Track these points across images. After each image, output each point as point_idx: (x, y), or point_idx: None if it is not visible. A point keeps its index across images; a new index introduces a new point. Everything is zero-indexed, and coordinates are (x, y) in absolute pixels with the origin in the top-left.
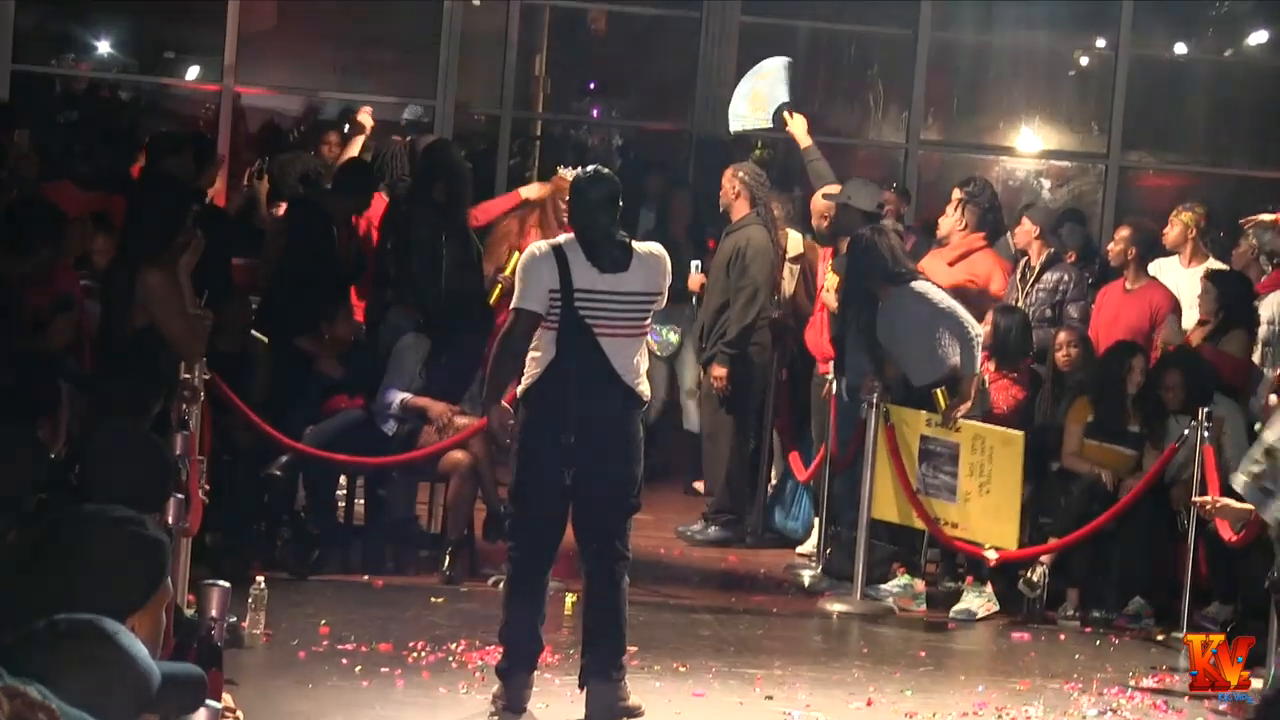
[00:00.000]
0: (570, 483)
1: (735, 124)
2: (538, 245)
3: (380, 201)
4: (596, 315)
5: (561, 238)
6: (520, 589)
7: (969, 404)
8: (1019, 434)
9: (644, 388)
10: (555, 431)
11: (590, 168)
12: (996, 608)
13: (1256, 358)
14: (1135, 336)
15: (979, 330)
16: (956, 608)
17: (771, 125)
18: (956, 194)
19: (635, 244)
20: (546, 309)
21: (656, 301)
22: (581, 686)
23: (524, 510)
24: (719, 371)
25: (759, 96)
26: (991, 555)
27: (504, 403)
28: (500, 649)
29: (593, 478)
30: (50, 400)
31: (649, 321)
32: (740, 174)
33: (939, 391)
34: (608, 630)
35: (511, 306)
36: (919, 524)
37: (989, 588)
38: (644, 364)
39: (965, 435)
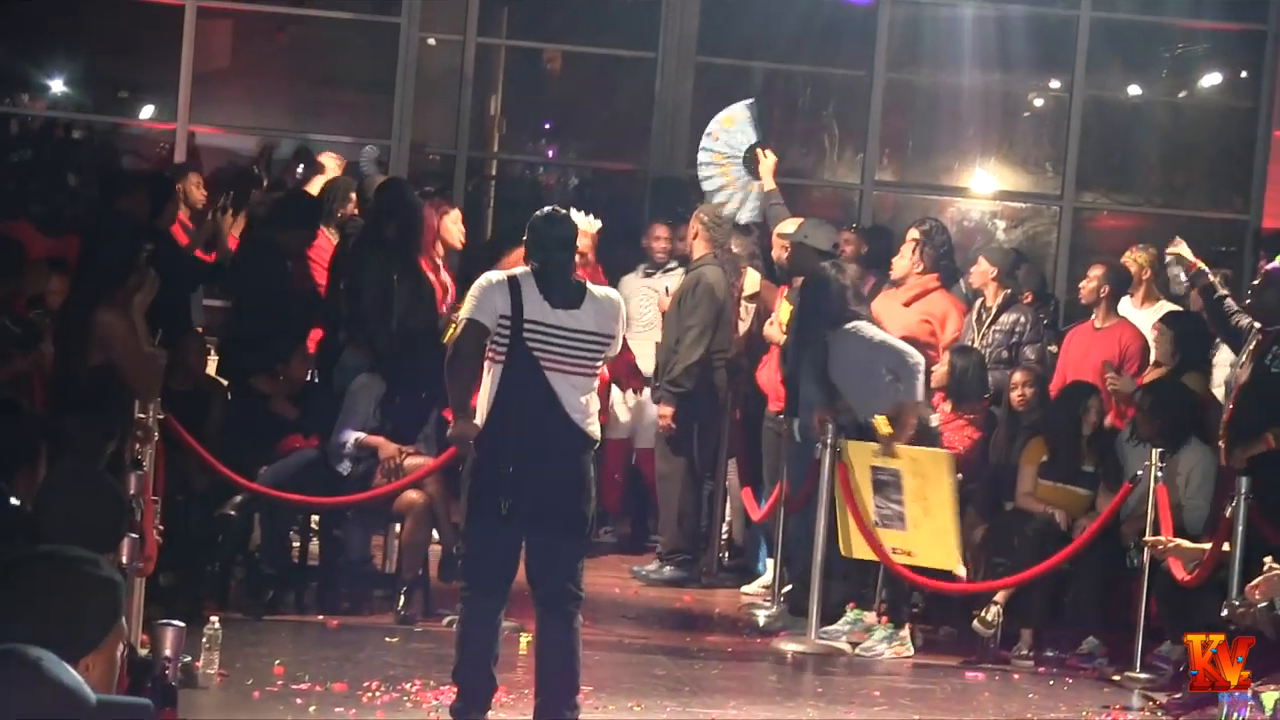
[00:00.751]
0: (507, 514)
1: (707, 185)
2: (492, 274)
3: (327, 240)
4: (545, 349)
5: (517, 269)
6: (472, 628)
7: (909, 431)
8: (945, 452)
9: (593, 428)
10: (500, 464)
11: (548, 208)
12: (909, 653)
13: (1220, 394)
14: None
15: (918, 359)
16: (863, 645)
17: (743, 174)
18: (912, 234)
19: (591, 286)
20: (495, 328)
21: (608, 346)
22: None
23: (473, 548)
24: (664, 410)
25: (724, 157)
26: (962, 572)
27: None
28: (454, 689)
29: (544, 517)
30: (31, 452)
31: (600, 365)
32: (701, 215)
33: (878, 419)
34: (561, 670)
35: (460, 317)
36: (879, 556)
37: (906, 632)
38: (594, 405)
39: (903, 460)
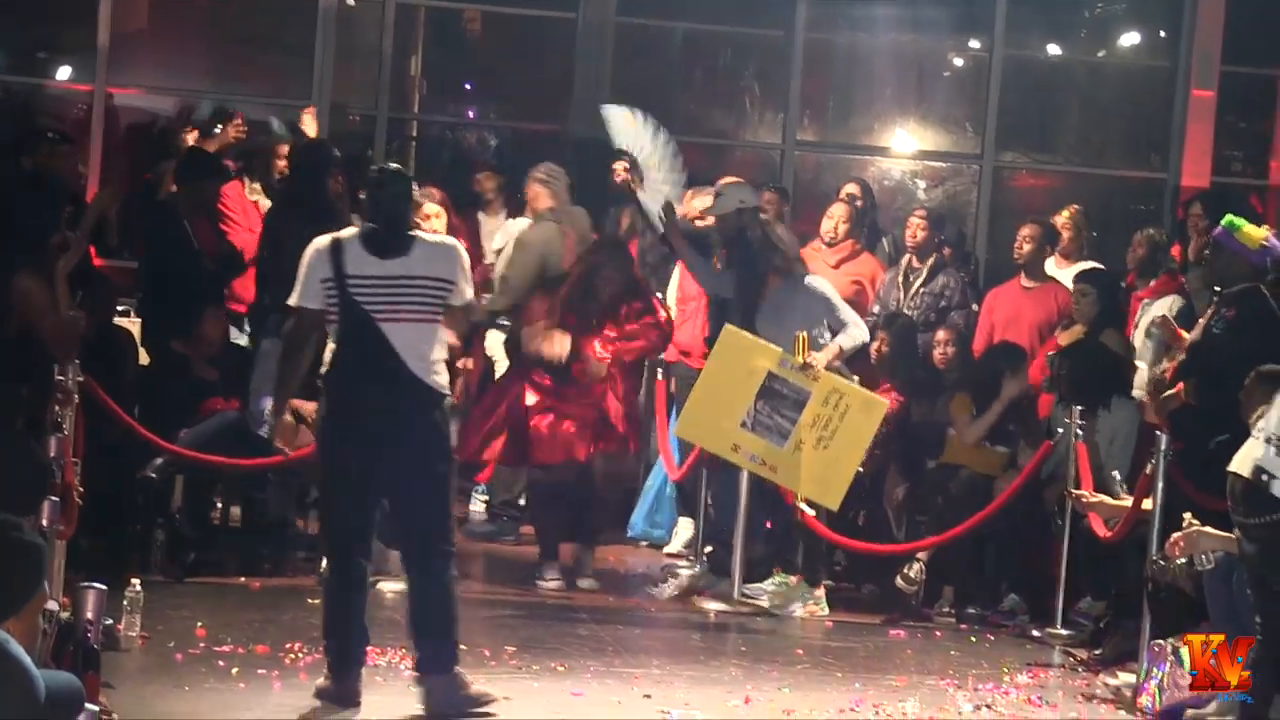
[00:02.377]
0: (356, 471)
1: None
2: (318, 239)
3: (243, 198)
4: (374, 300)
5: (346, 231)
6: (336, 582)
7: (828, 358)
8: (884, 401)
9: (437, 379)
10: (345, 421)
11: (383, 166)
12: (824, 612)
13: (1149, 356)
14: (1040, 334)
15: (863, 332)
16: (776, 603)
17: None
18: (841, 197)
19: (427, 234)
20: (324, 302)
21: (447, 290)
22: (419, 682)
23: (329, 503)
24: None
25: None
26: (808, 511)
27: (292, 404)
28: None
29: (398, 473)
30: None
31: (440, 312)
32: (537, 173)
33: (802, 336)
34: (433, 624)
35: (291, 302)
36: (721, 450)
37: (821, 591)
38: (438, 354)
39: (822, 387)
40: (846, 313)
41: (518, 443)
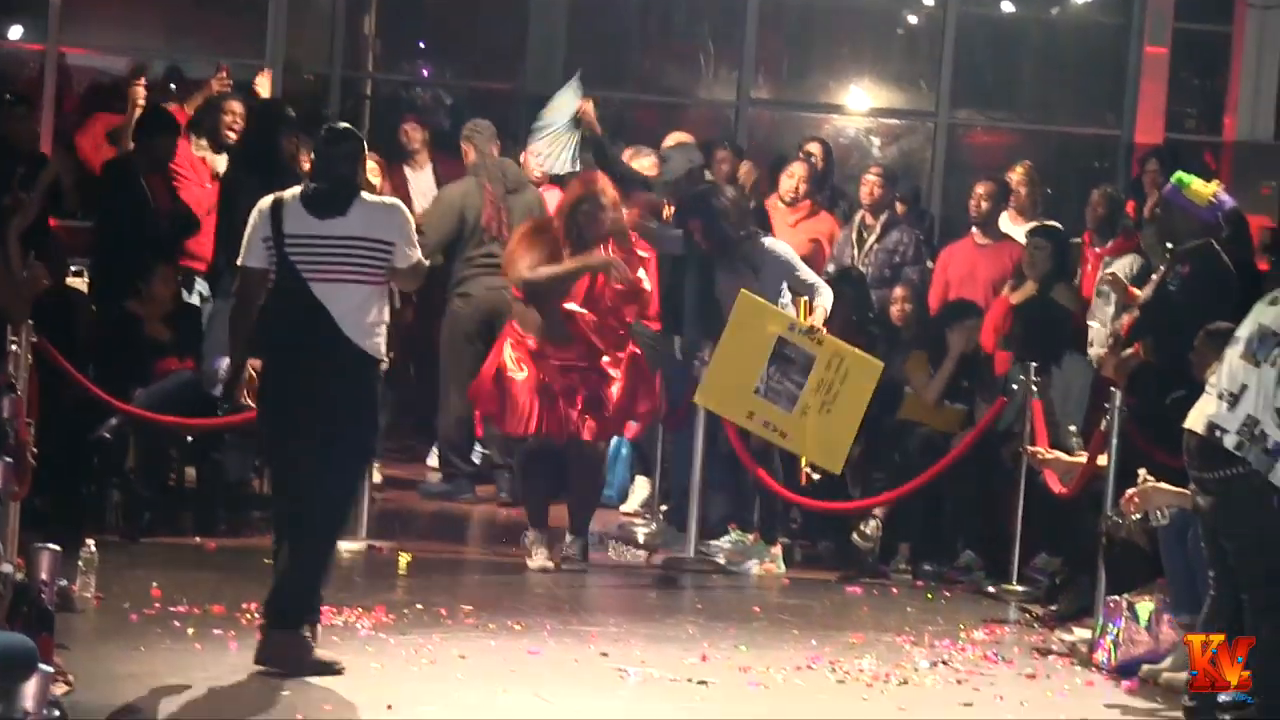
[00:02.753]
0: (288, 429)
1: (543, 166)
2: (264, 199)
3: (193, 157)
4: (308, 260)
5: (290, 190)
6: (278, 541)
7: (821, 321)
8: (879, 363)
9: (372, 343)
10: (278, 380)
11: (340, 125)
12: (780, 570)
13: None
14: (994, 291)
15: (829, 291)
16: (732, 560)
17: (567, 130)
18: (800, 155)
19: (369, 196)
20: (268, 261)
21: (386, 252)
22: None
23: (267, 460)
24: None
25: (551, 130)
26: (814, 475)
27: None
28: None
29: (318, 432)
30: None
31: (380, 274)
32: (464, 129)
33: (803, 301)
34: (296, 583)
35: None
36: (737, 418)
37: (778, 549)
38: (375, 318)
39: (825, 350)
40: (808, 273)
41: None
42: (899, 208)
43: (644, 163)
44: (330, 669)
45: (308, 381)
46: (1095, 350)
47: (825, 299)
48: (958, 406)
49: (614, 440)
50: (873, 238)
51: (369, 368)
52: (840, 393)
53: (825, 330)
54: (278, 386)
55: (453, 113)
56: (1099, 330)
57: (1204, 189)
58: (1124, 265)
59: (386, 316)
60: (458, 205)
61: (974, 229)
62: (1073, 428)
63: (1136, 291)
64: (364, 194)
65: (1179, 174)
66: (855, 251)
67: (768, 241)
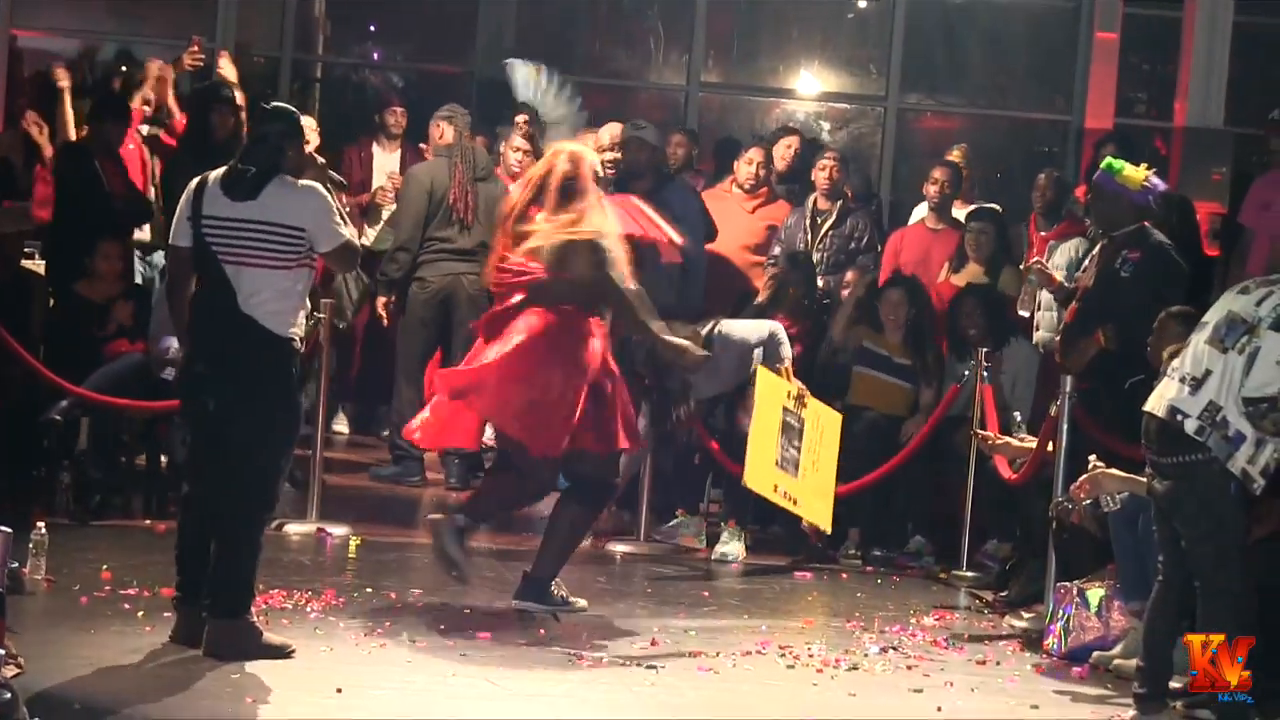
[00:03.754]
0: (198, 412)
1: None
2: (195, 179)
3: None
4: (219, 242)
5: (217, 170)
6: (179, 523)
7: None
8: (838, 415)
9: (282, 325)
10: (189, 361)
11: (273, 105)
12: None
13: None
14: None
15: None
16: (718, 550)
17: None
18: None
19: (289, 179)
20: (192, 241)
21: (297, 239)
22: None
23: (185, 440)
24: (378, 300)
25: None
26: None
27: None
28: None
29: (230, 416)
30: None
31: (296, 260)
32: (440, 111)
33: (786, 367)
34: (228, 566)
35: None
36: (770, 495)
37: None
38: (289, 302)
39: (811, 412)
40: (761, 332)
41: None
42: (848, 193)
43: (646, 134)
44: (281, 653)
45: (216, 364)
46: (1042, 335)
47: (787, 349)
48: (900, 384)
49: None
50: (828, 223)
51: (277, 349)
52: (820, 449)
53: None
54: (189, 368)
55: (402, 95)
56: (1048, 316)
57: (1136, 174)
58: (1069, 249)
59: (303, 299)
60: (426, 185)
61: (928, 213)
62: (1017, 415)
63: (1057, 278)
64: (283, 177)
65: (1109, 160)
66: (809, 237)
67: (723, 326)
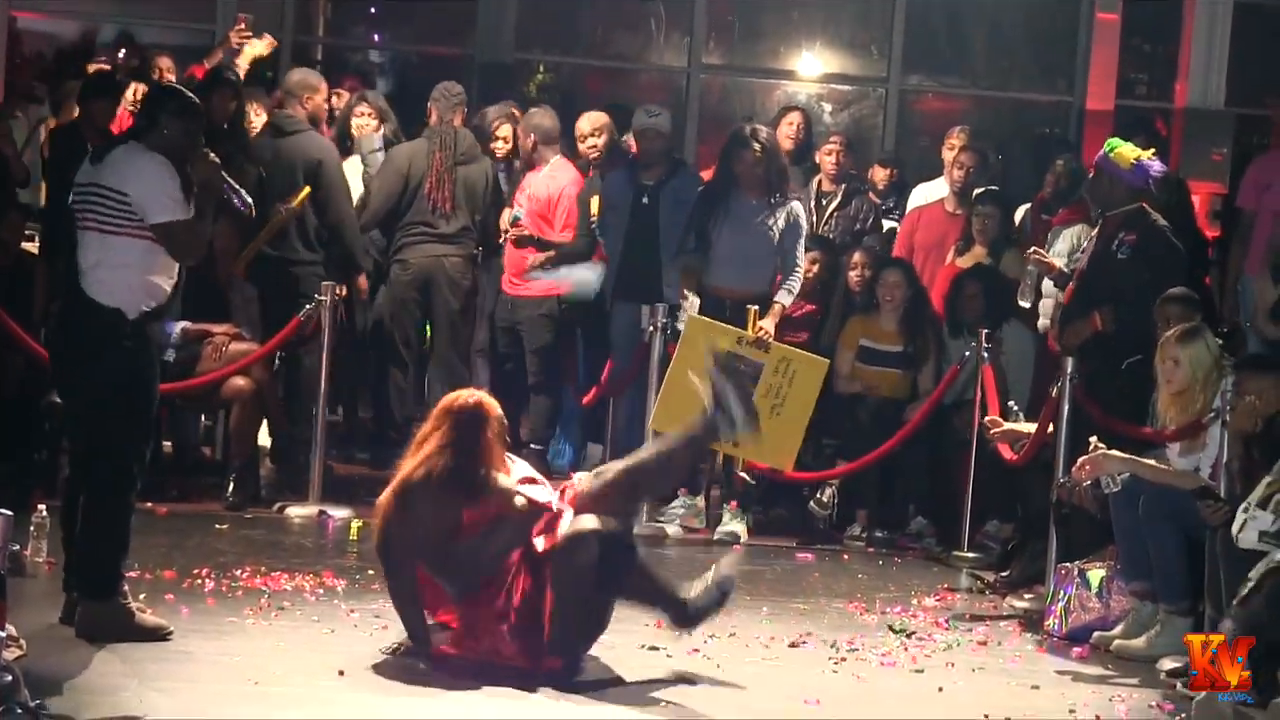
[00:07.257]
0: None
1: None
2: None
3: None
4: (75, 205)
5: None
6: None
7: (775, 321)
8: (825, 361)
9: (106, 293)
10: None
11: (175, 86)
12: (700, 524)
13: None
14: None
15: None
16: (719, 531)
17: None
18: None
19: (139, 146)
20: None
21: (122, 204)
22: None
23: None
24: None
25: None
26: (747, 478)
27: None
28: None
29: (69, 389)
30: None
31: (127, 227)
32: (434, 92)
33: (753, 310)
34: (91, 544)
35: None
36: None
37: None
38: (120, 277)
39: (772, 356)
40: (801, 253)
41: None
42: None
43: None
44: (156, 635)
45: (56, 335)
46: (1044, 324)
47: (791, 292)
48: (895, 371)
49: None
50: (833, 205)
51: (101, 317)
52: (788, 394)
53: (772, 332)
54: (48, 339)
55: (400, 77)
56: (1049, 305)
57: (1128, 153)
58: (1071, 235)
59: (142, 274)
60: (403, 169)
61: (949, 194)
62: (1014, 404)
63: (1055, 264)
64: (133, 144)
65: (1111, 139)
66: (815, 218)
67: (795, 205)
